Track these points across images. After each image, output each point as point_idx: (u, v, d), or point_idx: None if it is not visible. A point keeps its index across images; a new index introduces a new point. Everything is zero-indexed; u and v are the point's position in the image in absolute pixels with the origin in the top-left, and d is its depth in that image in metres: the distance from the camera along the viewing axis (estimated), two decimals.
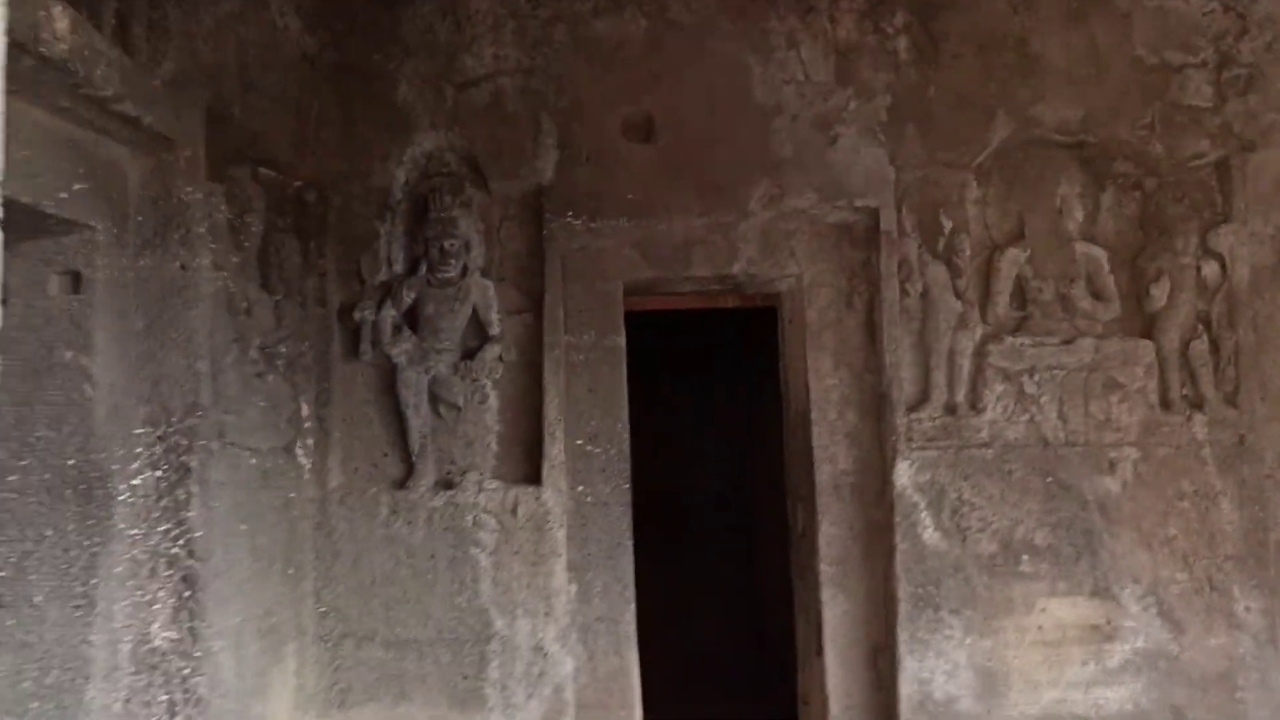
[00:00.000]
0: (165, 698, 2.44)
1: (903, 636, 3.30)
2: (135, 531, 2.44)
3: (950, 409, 3.39)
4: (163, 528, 2.47)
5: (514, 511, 3.32)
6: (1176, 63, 3.44)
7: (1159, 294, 3.40)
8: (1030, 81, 3.42)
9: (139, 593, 2.44)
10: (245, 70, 2.97)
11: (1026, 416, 3.39)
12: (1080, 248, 3.45)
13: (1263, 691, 3.29)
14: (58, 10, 1.98)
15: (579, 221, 3.41)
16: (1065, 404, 3.39)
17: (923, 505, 3.34)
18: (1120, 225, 3.49)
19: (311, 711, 3.26)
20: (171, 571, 2.47)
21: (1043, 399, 3.39)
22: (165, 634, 2.46)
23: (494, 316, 3.41)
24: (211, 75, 2.73)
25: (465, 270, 3.41)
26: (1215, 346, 3.39)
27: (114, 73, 2.20)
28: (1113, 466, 3.37)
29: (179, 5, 2.59)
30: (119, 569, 2.40)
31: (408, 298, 3.40)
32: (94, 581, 2.33)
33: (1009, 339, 3.40)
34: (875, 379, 3.42)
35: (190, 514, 2.49)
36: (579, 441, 3.43)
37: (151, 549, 2.46)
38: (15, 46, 1.81)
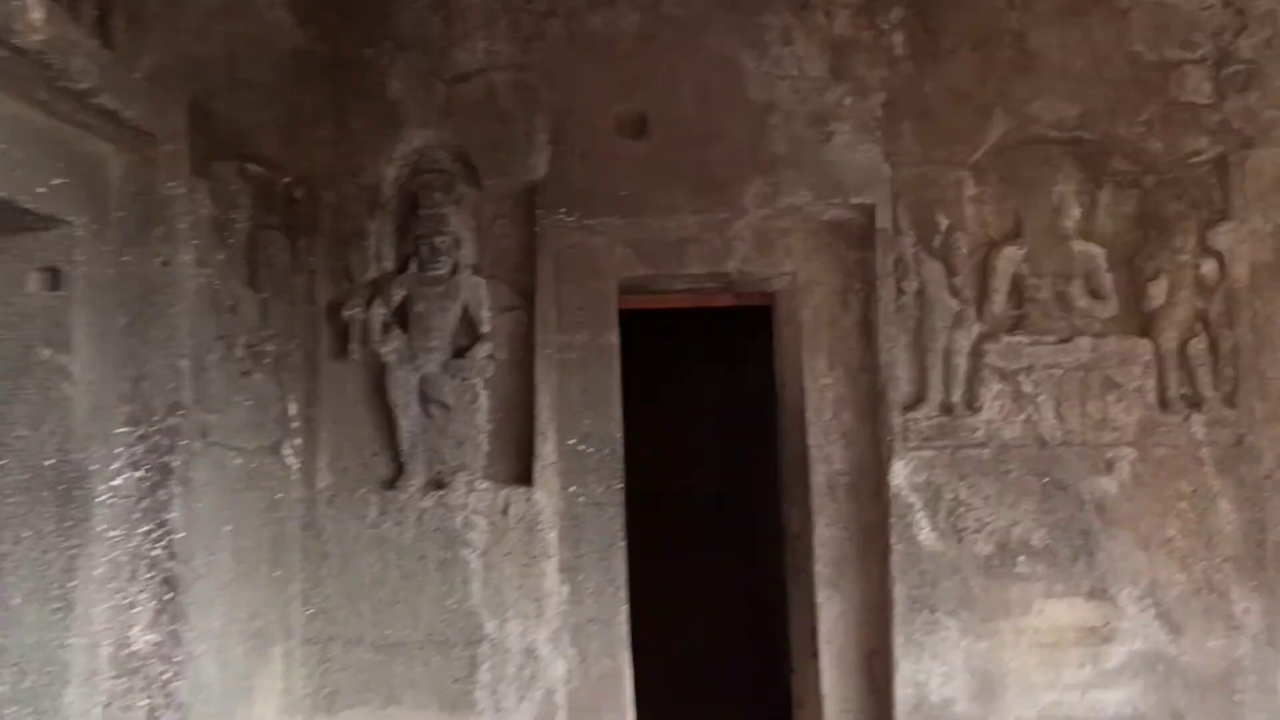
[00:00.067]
0: (146, 702, 2.40)
1: (898, 638, 3.26)
2: (115, 533, 2.40)
3: (946, 408, 3.35)
4: (144, 529, 2.43)
5: (505, 512, 3.29)
6: (1175, 59, 3.40)
7: (1157, 292, 3.37)
8: (1027, 78, 3.39)
9: (119, 595, 2.40)
10: (232, 64, 2.93)
11: (1023, 416, 3.36)
12: (1078, 246, 3.42)
13: (1262, 694, 3.26)
14: (33, 0, 1.94)
15: (572, 219, 3.38)
16: (1062, 403, 3.36)
17: (919, 506, 3.31)
18: (1118, 223, 3.45)
19: (299, 715, 3.22)
20: (152, 574, 2.43)
21: (1040, 398, 3.35)
22: (146, 637, 2.42)
23: (485, 314, 3.37)
24: (196, 69, 2.68)
25: (456, 268, 3.37)
26: (1214, 346, 3.36)
27: (92, 65, 2.17)
28: (1110, 467, 3.33)
29: None
30: (98, 571, 2.36)
31: (398, 295, 3.36)
32: (73, 584, 2.29)
33: (1006, 338, 3.37)
34: (871, 378, 3.39)
35: (172, 515, 2.45)
36: (571, 441, 3.40)
37: (132, 551, 2.42)
38: None
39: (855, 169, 3.37)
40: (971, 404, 3.35)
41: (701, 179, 3.36)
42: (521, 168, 3.39)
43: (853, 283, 3.44)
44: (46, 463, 2.30)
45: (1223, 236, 3.36)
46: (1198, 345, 3.36)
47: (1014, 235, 3.42)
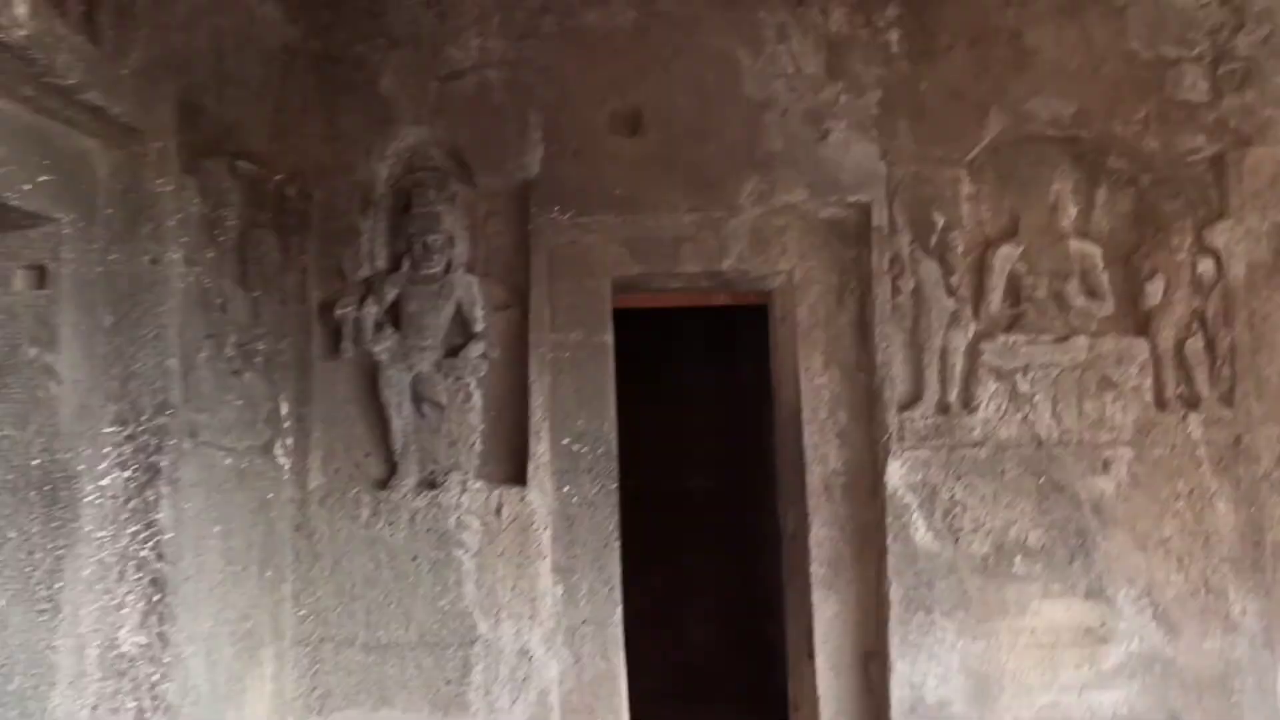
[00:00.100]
0: (134, 704, 2.37)
1: (894, 640, 3.24)
2: (102, 534, 2.37)
3: (943, 408, 3.34)
4: (131, 530, 2.40)
5: (498, 512, 3.27)
6: (1172, 57, 3.39)
7: (1154, 291, 3.36)
8: (1024, 76, 3.37)
9: (106, 596, 2.37)
10: (221, 60, 2.90)
11: (1020, 415, 3.34)
12: (1074, 244, 3.40)
13: (1259, 695, 3.25)
14: None
15: (566, 217, 3.36)
16: (1059, 403, 3.34)
17: (915, 506, 3.29)
18: (1115, 222, 3.44)
19: (290, 717, 3.19)
20: (140, 575, 2.40)
21: (1036, 398, 3.34)
22: (134, 639, 2.39)
23: (478, 313, 3.35)
24: (184, 65, 2.65)
25: (449, 266, 3.35)
26: (1211, 345, 3.35)
27: (78, 61, 2.14)
28: (1107, 466, 3.32)
29: None
30: (85, 572, 2.33)
31: (390, 294, 3.34)
32: (59, 585, 2.26)
33: (1002, 337, 3.35)
34: (867, 377, 3.37)
35: (160, 515, 2.43)
36: (565, 441, 3.38)
37: (120, 551, 2.39)
38: None
39: (851, 167, 3.35)
40: (968, 403, 3.34)
41: (696, 177, 3.34)
42: (515, 165, 3.37)
43: (848, 281, 3.43)
44: (33, 463, 2.27)
45: (1220, 235, 3.35)
46: (1195, 344, 3.35)
47: (1010, 234, 3.41)
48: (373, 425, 3.33)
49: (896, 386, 3.33)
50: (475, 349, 3.32)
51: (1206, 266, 3.36)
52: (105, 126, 2.36)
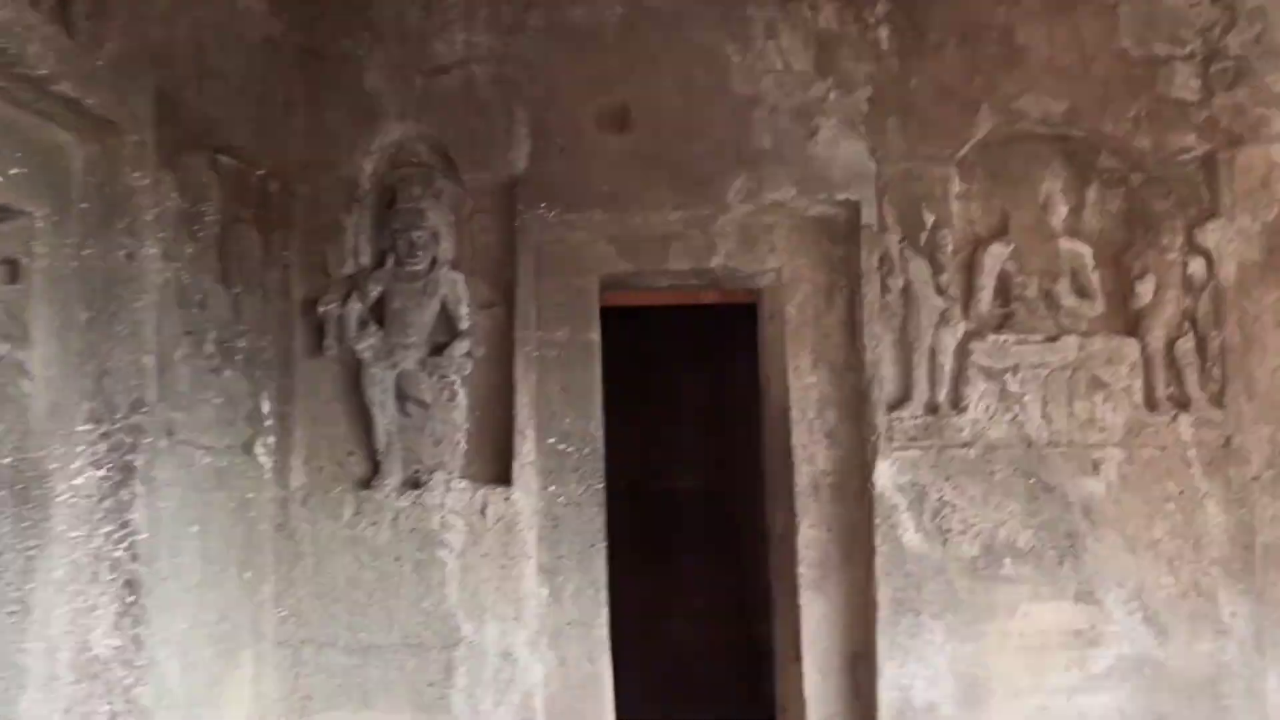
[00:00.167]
0: (107, 708, 2.33)
1: (882, 642, 3.22)
2: (75, 534, 2.32)
3: (932, 408, 3.31)
4: (105, 530, 2.36)
5: (483, 512, 3.23)
6: (1163, 55, 3.38)
7: (1144, 291, 3.34)
8: (1014, 74, 3.35)
9: (79, 598, 2.33)
10: (202, 53, 2.86)
11: (1009, 416, 3.32)
12: (1064, 244, 3.39)
13: (1249, 699, 3.23)
14: None
15: (552, 214, 3.33)
16: (1049, 403, 3.32)
17: (903, 507, 3.27)
18: (1105, 221, 3.42)
19: (271, 719, 3.15)
20: (114, 576, 2.36)
21: (1026, 398, 3.32)
22: (107, 641, 2.34)
23: (464, 311, 3.31)
24: (162, 57, 2.61)
25: (434, 263, 3.32)
26: (1201, 345, 3.33)
27: (49, 51, 2.10)
28: (1097, 467, 3.30)
29: None
30: (58, 573, 2.28)
31: (374, 291, 3.31)
32: (30, 586, 2.22)
33: (992, 336, 3.33)
34: (856, 377, 3.35)
35: (134, 515, 2.38)
36: (551, 440, 3.35)
37: (93, 552, 2.35)
38: None
39: (840, 164, 3.33)
40: (957, 403, 3.31)
41: (684, 174, 3.32)
42: (501, 161, 3.34)
43: (838, 280, 3.40)
44: (3, 461, 2.22)
45: (1210, 235, 3.34)
46: (1185, 345, 3.33)
47: (1000, 232, 3.39)
48: (356, 424, 3.30)
49: (885, 386, 3.30)
50: (460, 347, 3.29)
51: (1197, 266, 3.35)
52: (80, 119, 2.32)
